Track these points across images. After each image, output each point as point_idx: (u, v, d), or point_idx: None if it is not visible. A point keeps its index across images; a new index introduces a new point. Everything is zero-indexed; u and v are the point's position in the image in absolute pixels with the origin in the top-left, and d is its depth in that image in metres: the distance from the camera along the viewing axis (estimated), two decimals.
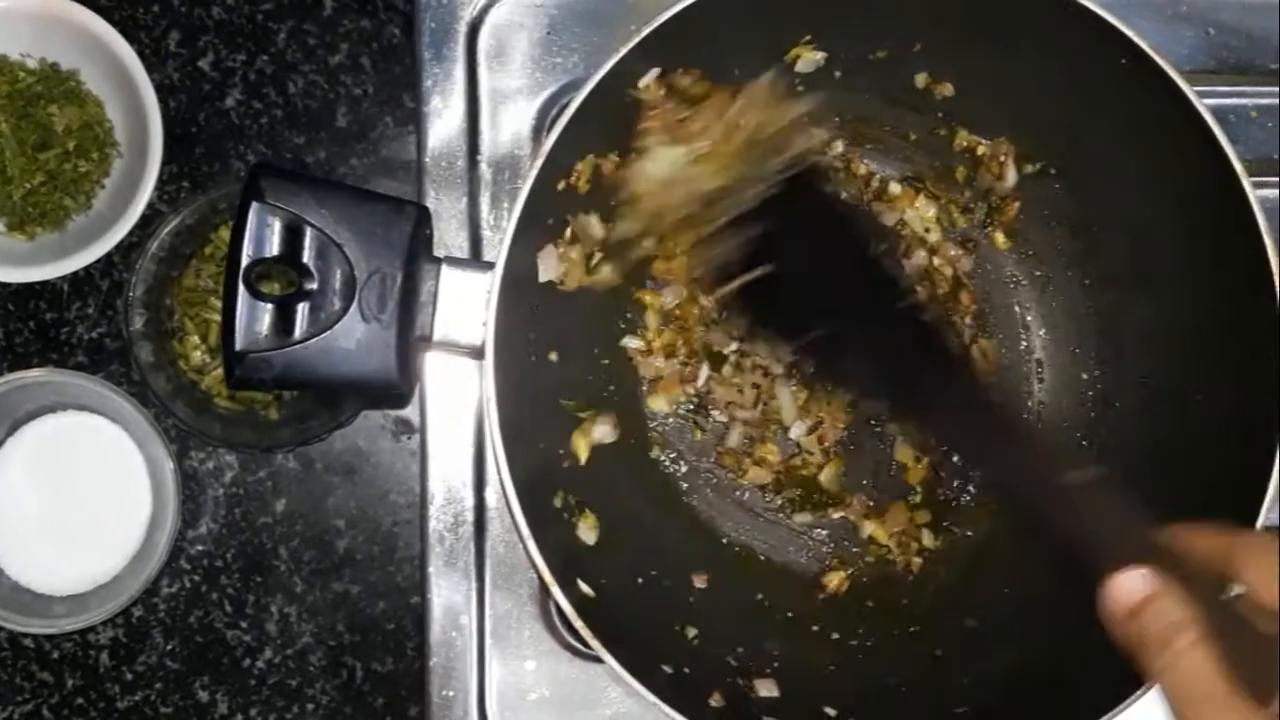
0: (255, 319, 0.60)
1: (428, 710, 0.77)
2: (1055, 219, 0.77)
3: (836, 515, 0.79)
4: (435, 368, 0.78)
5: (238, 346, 0.60)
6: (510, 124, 0.79)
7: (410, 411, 0.83)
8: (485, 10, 0.79)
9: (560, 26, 0.80)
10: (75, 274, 0.80)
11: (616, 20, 0.79)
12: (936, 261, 0.79)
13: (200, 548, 0.82)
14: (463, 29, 0.79)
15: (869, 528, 0.78)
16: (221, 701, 0.81)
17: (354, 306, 0.61)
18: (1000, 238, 0.80)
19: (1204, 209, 0.67)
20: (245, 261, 0.60)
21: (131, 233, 0.78)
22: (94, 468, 0.80)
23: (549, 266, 0.68)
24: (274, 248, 0.60)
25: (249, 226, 0.60)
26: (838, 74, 0.74)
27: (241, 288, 0.60)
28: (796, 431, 0.79)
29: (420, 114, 0.79)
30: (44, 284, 0.82)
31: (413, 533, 0.82)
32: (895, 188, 0.80)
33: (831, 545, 0.79)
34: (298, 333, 0.61)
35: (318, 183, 0.62)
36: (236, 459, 0.82)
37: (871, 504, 0.79)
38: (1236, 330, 0.67)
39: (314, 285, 0.61)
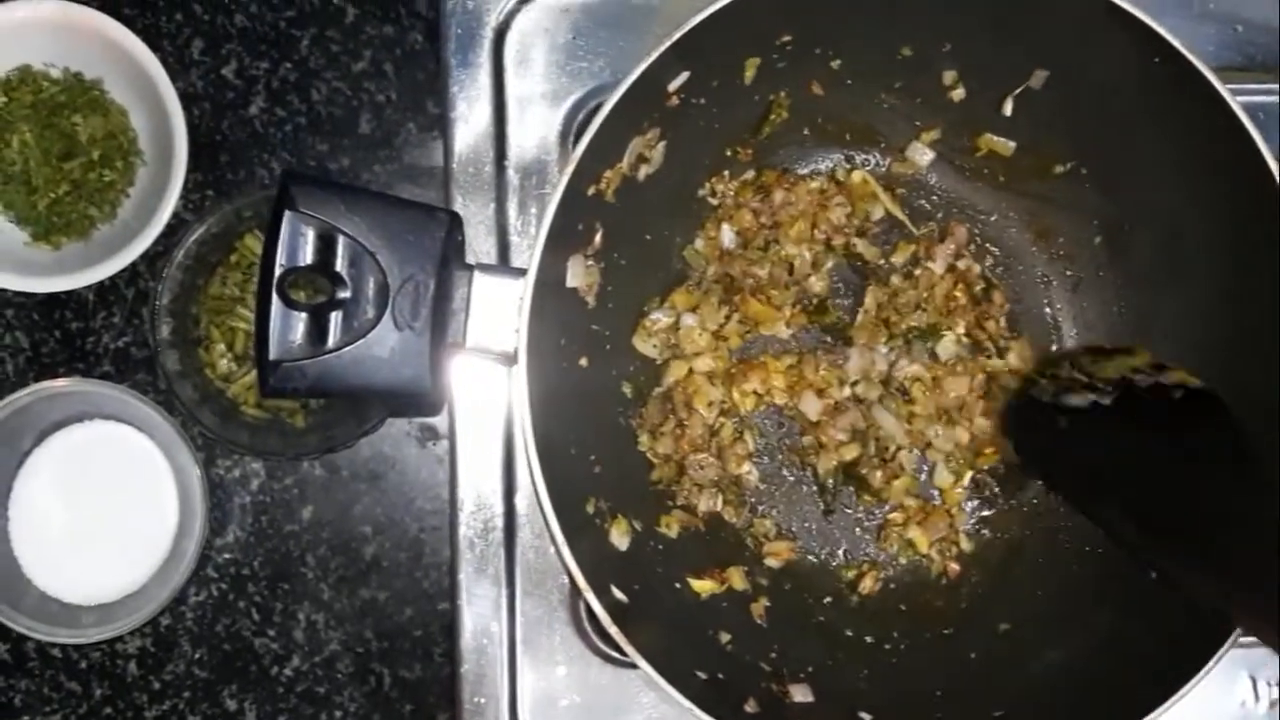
0: (289, 328, 0.60)
1: (459, 717, 0.77)
2: (1086, 218, 0.77)
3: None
4: (462, 373, 0.78)
5: (272, 356, 0.60)
6: (536, 129, 0.79)
7: (436, 418, 0.82)
8: (511, 16, 0.79)
9: (585, 31, 0.79)
10: (101, 283, 0.80)
11: (642, 25, 0.79)
12: (962, 265, 0.79)
13: (227, 556, 0.82)
14: (488, 34, 0.79)
15: (913, 532, 0.78)
16: (250, 710, 0.81)
17: (387, 314, 0.60)
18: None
19: (1235, 205, 0.67)
20: (279, 271, 0.59)
21: (157, 242, 0.78)
22: (121, 477, 0.80)
23: (576, 274, 0.68)
24: (307, 256, 0.60)
25: (282, 236, 0.59)
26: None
27: (275, 297, 0.59)
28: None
29: (447, 120, 0.79)
30: (70, 294, 0.81)
31: (439, 539, 0.82)
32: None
33: (866, 548, 0.78)
34: (331, 341, 0.60)
35: (349, 190, 0.62)
36: (263, 467, 0.82)
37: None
38: (1269, 326, 0.66)
39: (347, 293, 0.61)
